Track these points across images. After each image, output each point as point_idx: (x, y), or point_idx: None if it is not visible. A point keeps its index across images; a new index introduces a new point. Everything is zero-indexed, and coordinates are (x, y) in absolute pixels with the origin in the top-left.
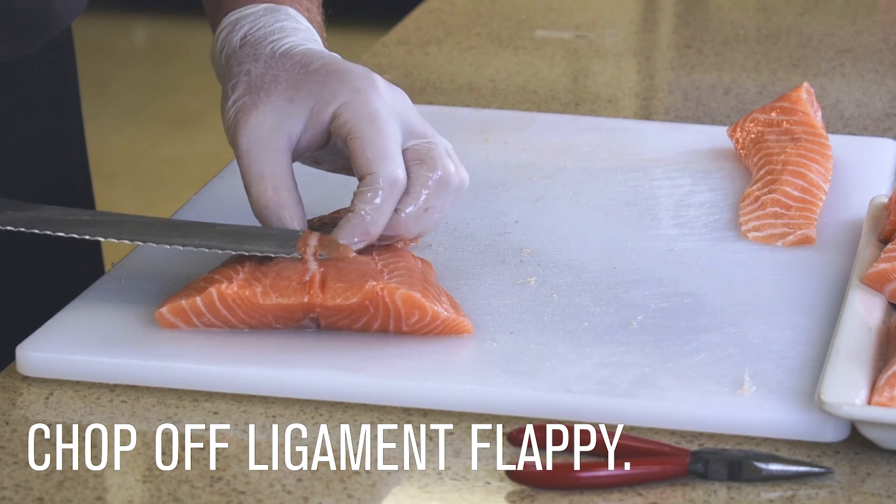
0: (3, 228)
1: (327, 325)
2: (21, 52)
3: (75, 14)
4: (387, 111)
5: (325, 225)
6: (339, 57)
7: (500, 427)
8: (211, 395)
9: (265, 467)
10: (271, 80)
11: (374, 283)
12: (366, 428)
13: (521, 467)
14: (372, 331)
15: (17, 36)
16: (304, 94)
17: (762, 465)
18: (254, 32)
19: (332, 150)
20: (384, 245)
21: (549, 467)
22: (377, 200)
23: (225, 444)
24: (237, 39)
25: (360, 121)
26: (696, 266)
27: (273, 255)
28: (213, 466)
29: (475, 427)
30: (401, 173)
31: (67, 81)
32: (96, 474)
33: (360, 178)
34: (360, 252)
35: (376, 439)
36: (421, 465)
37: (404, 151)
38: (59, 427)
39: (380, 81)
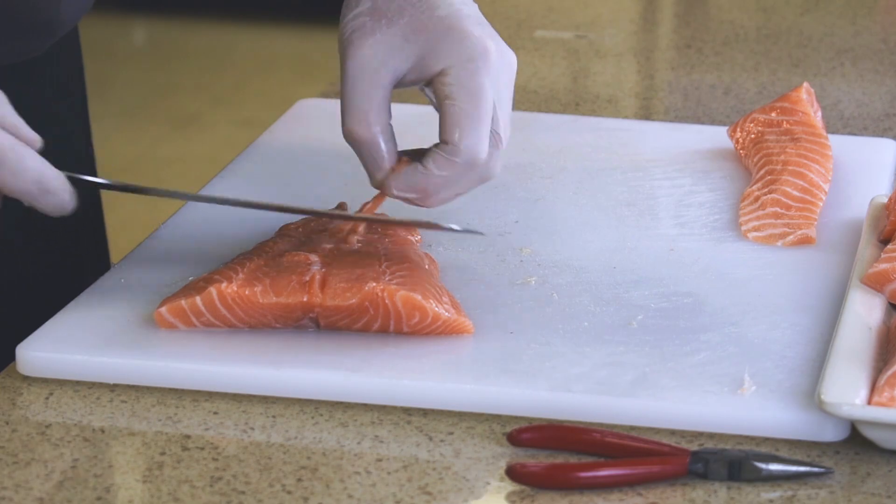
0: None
1: (327, 325)
2: (28, 54)
3: (80, 15)
4: (490, 87)
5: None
6: (467, 4)
7: (500, 427)
8: (211, 395)
9: (265, 467)
10: (396, 11)
11: (374, 284)
12: (366, 428)
13: (521, 467)
14: (372, 331)
15: (23, 37)
16: (420, 40)
17: (762, 465)
18: None
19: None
20: (391, 243)
21: (549, 467)
22: (448, 171)
23: (225, 444)
24: None
25: (463, 91)
26: (696, 266)
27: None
28: (213, 466)
29: (475, 427)
30: (483, 155)
31: (75, 83)
32: (96, 474)
33: (443, 142)
34: (367, 249)
35: (376, 439)
36: (421, 465)
37: None
38: (59, 427)
39: (494, 53)
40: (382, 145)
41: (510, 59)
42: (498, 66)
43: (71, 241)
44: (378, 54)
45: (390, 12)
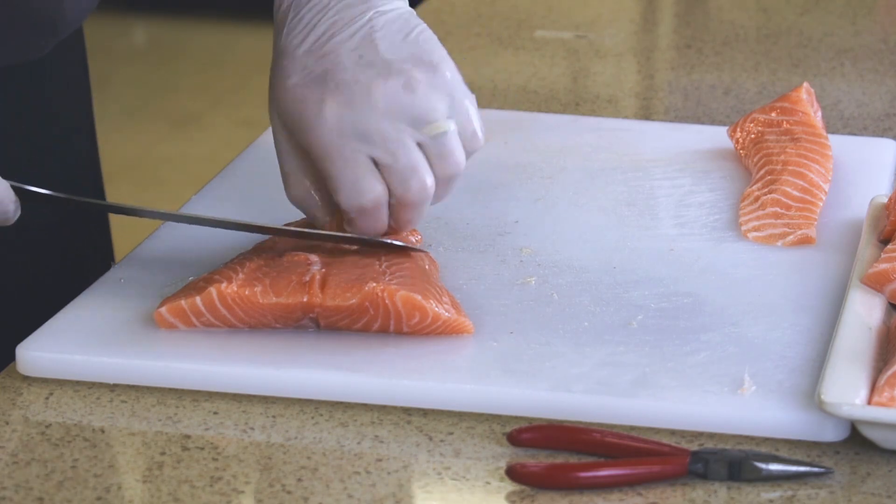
0: (18, 186)
1: (327, 325)
2: (32, 55)
3: (84, 15)
4: (338, 136)
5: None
6: (323, 58)
7: (500, 427)
8: (211, 395)
9: (265, 467)
10: (271, 83)
11: (374, 284)
12: (366, 428)
13: (521, 467)
14: (372, 331)
15: (27, 37)
16: (281, 113)
17: (762, 465)
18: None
19: None
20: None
21: (549, 467)
22: (355, 224)
23: (225, 444)
24: (276, 4)
25: (318, 159)
26: (696, 266)
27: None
28: (213, 466)
29: (475, 427)
30: (366, 197)
31: (79, 83)
32: (96, 474)
33: None
34: (367, 249)
35: (376, 439)
36: (421, 465)
37: (378, 168)
38: (59, 427)
39: (328, 106)
40: (309, 204)
41: (366, 88)
42: (340, 110)
43: (72, 241)
44: (277, 124)
45: (272, 82)
